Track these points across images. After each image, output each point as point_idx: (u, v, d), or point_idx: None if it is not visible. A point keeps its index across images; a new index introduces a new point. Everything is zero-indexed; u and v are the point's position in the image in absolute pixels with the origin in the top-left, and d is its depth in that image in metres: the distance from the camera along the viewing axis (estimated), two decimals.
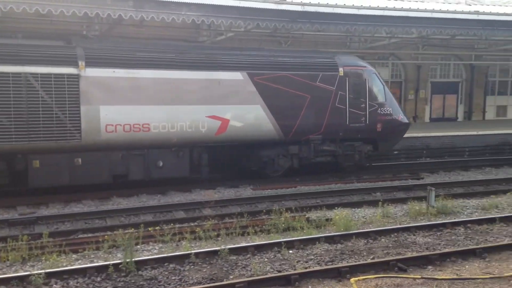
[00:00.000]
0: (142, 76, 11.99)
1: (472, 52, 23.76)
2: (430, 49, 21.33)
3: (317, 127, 14.12)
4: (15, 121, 10.82)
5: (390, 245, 8.55)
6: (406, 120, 15.71)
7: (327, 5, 16.07)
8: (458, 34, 18.70)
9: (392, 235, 9.06)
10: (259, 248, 8.24)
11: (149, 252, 8.31)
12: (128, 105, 11.84)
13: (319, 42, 19.59)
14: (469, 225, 9.70)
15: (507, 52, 23.08)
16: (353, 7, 16.43)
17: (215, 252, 7.93)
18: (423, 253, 7.95)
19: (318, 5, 15.88)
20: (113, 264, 7.26)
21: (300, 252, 8.21)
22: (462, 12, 18.00)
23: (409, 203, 11.24)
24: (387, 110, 15.06)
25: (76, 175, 11.68)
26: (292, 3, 15.58)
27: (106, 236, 8.53)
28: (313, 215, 10.45)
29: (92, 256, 8.10)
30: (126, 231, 8.52)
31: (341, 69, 14.44)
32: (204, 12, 14.30)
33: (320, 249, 8.34)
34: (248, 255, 8.02)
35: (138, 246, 8.40)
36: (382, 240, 8.85)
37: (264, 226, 9.46)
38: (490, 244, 8.43)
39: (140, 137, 12.01)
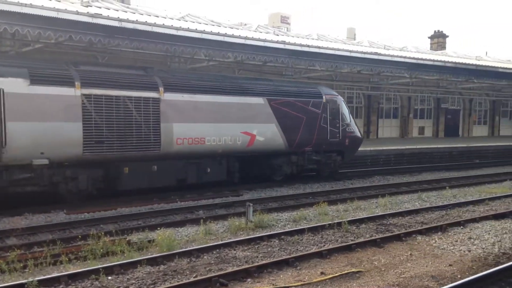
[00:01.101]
0: (199, 100, 14.90)
1: (281, 78, 25.99)
2: (245, 73, 22.67)
3: (310, 141, 17.88)
4: (117, 134, 13.18)
5: (213, 262, 8.64)
6: (361, 136, 20.16)
7: (145, 23, 15.93)
8: (269, 61, 20.27)
9: (214, 252, 9.18)
10: (74, 277, 7.56)
11: None
12: (191, 123, 14.68)
13: (139, 60, 19.27)
14: (282, 236, 10.31)
15: (310, 79, 25.82)
16: (172, 27, 16.59)
17: (21, 286, 7.02)
18: (243, 267, 8.16)
19: (136, 22, 15.64)
20: None
21: (120, 278, 7.76)
22: (272, 41, 19.58)
23: (229, 219, 11.55)
24: (351, 129, 19.32)
25: (152, 179, 14.13)
26: (108, 18, 15.08)
27: None
28: (135, 237, 10.03)
29: None
30: None
31: (324, 97, 18.43)
32: (7, 20, 12.92)
33: (142, 272, 8.01)
34: (61, 286, 7.30)
35: None
36: (205, 257, 8.91)
37: (80, 253, 8.75)
38: (300, 253, 9.01)
39: (198, 149, 14.88)
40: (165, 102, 14.08)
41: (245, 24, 25.43)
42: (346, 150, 19.29)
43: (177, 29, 16.66)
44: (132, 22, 15.53)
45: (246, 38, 18.65)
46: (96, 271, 7.74)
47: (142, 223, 11.51)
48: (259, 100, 16.41)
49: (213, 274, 7.74)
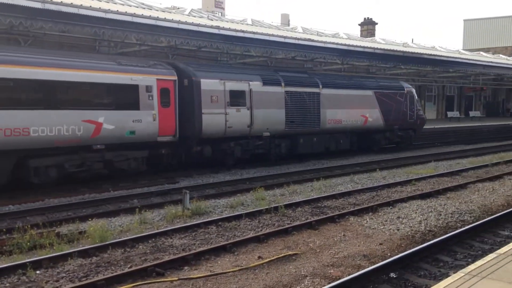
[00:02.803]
0: (339, 93, 22.07)
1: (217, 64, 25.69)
2: (179, 58, 22.18)
3: (397, 121, 25.07)
4: (299, 116, 20.26)
5: (148, 251, 8.46)
6: (425, 117, 28.25)
7: (71, 5, 15.08)
8: (203, 46, 19.91)
9: (150, 241, 8.99)
10: None
11: None
12: (335, 109, 21.76)
13: (65, 44, 18.32)
14: (220, 223, 10.28)
15: (246, 65, 25.75)
16: (100, 10, 15.85)
17: None
18: (180, 255, 8.05)
19: (61, 4, 14.79)
20: None
21: (49, 271, 7.41)
22: (206, 26, 19.19)
23: (166, 207, 11.36)
24: (420, 112, 27.12)
25: (312, 147, 21.11)
26: None
27: None
28: (65, 229, 9.63)
29: None
30: None
31: (405, 89, 25.81)
32: None
33: (73, 265, 7.69)
34: None
35: None
36: (140, 247, 8.70)
37: (4, 247, 8.26)
38: (238, 239, 9.02)
39: (337, 127, 22.01)
40: (322, 95, 21.21)
41: (178, 8, 24.87)
42: (417, 127, 27.07)
43: (105, 11, 15.94)
44: (56, 3, 14.65)
45: (179, 22, 18.18)
46: (23, 266, 7.35)
47: (72, 214, 11.05)
48: (369, 92, 23.71)
49: (149, 264, 7.59)
